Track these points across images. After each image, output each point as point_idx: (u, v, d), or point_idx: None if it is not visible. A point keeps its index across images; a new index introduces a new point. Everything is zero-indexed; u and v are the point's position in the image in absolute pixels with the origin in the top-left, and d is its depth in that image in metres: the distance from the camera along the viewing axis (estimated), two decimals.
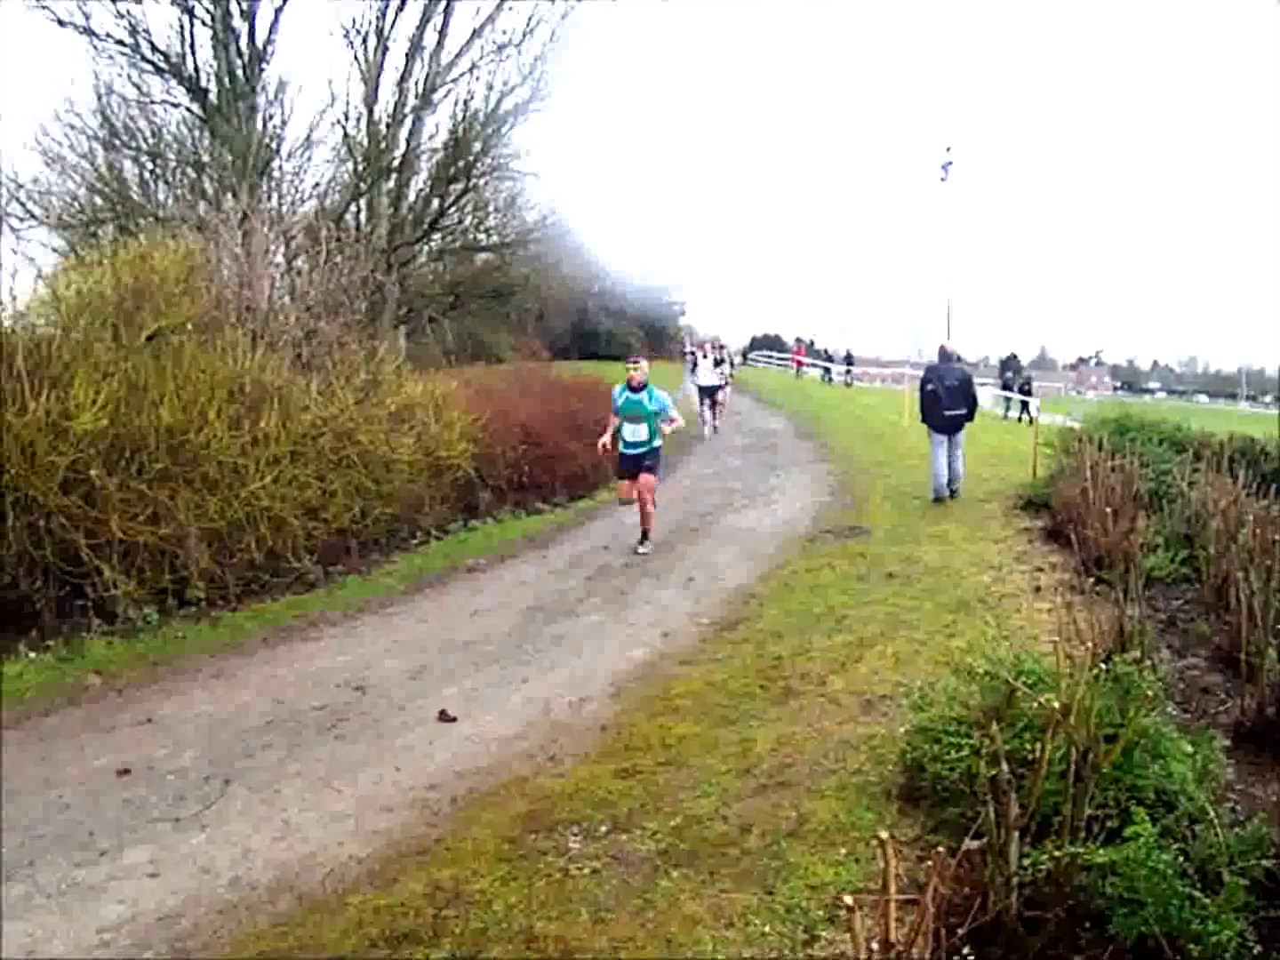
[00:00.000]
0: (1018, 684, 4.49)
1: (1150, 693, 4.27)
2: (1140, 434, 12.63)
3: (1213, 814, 3.87)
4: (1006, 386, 36.54)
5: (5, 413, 8.09)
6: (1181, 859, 3.58)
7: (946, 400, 13.53)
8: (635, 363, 11.70)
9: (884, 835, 2.73)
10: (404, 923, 4.22)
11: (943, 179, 42.23)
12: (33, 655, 7.83)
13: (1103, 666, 4.44)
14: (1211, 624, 7.28)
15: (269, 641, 8.52)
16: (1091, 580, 7.70)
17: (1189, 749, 4.37)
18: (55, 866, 4.87)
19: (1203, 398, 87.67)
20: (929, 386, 13.79)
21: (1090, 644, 4.89)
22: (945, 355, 14.68)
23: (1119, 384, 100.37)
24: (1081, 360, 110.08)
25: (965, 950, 3.25)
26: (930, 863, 3.32)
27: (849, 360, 48.82)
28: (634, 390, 11.37)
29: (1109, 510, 8.22)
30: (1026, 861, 3.61)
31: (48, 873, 4.80)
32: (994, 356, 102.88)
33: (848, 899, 2.50)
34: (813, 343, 51.76)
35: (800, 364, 50.85)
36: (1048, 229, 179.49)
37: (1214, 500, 8.42)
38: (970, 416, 13.76)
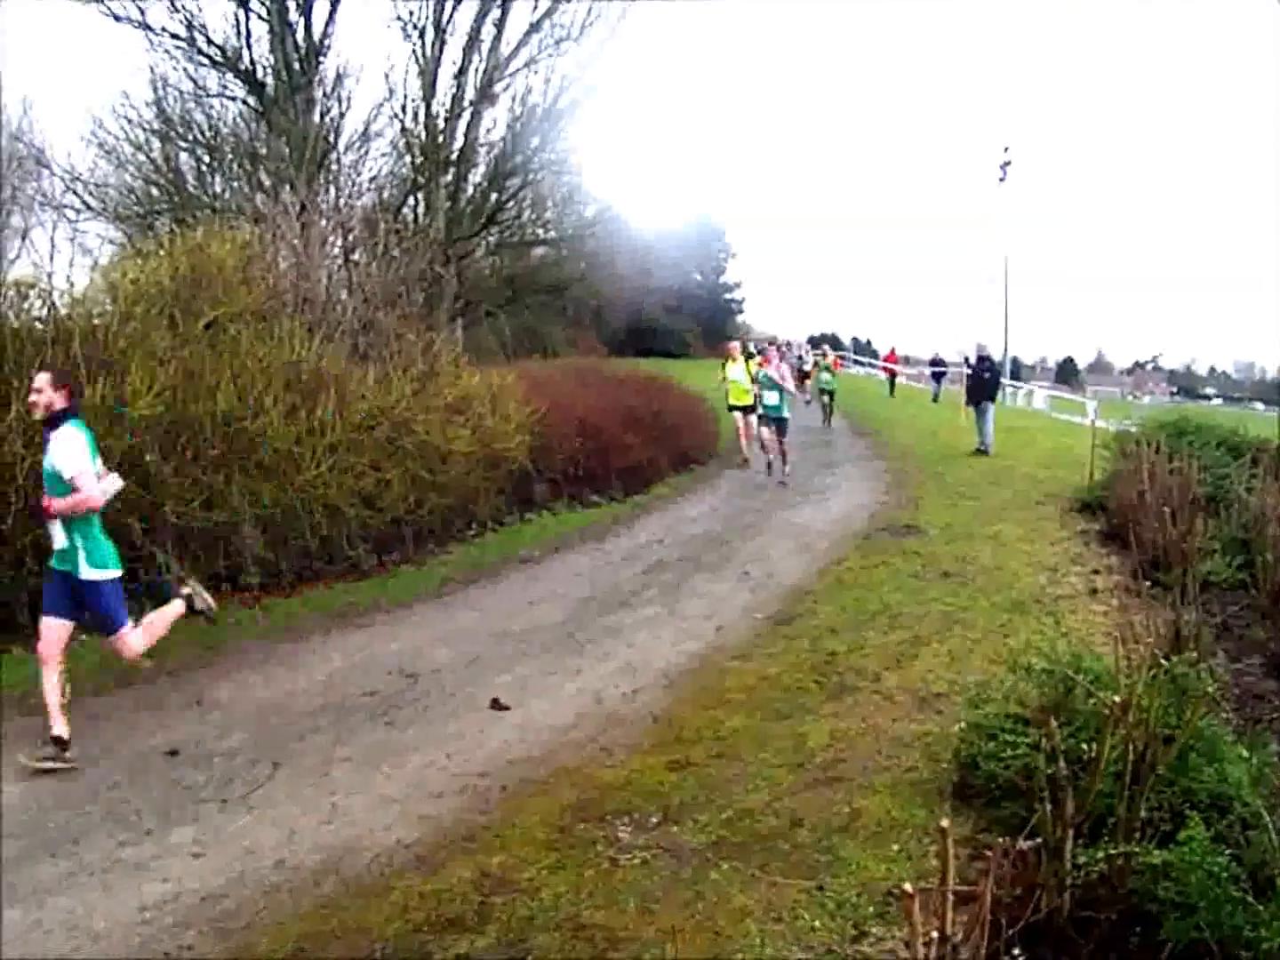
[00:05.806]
0: (1078, 680, 4.43)
1: (1209, 692, 4.22)
2: (1197, 438, 12.47)
3: (1267, 819, 3.80)
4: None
5: None
6: (1235, 864, 3.53)
7: (978, 383, 19.50)
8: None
9: (945, 824, 2.70)
10: (450, 909, 4.25)
11: (1001, 179, 41.99)
12: (83, 637, 7.89)
13: (1162, 664, 4.38)
14: (1267, 630, 7.18)
15: (321, 628, 8.56)
16: (1148, 583, 7.60)
17: (1244, 753, 4.31)
18: (100, 844, 4.92)
19: (1259, 405, 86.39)
20: (969, 374, 20.59)
21: (1147, 645, 4.84)
22: (981, 354, 20.52)
23: (1175, 389, 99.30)
24: (1138, 364, 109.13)
25: (1015, 950, 3.21)
26: (984, 860, 3.28)
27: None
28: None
29: (1167, 512, 8.12)
30: (1080, 860, 3.57)
31: (93, 850, 4.86)
32: (1051, 359, 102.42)
33: (907, 887, 2.47)
34: (869, 342, 50.34)
35: (894, 374, 38.40)
36: (1107, 230, 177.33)
37: (1272, 506, 8.28)
38: (992, 397, 19.66)
